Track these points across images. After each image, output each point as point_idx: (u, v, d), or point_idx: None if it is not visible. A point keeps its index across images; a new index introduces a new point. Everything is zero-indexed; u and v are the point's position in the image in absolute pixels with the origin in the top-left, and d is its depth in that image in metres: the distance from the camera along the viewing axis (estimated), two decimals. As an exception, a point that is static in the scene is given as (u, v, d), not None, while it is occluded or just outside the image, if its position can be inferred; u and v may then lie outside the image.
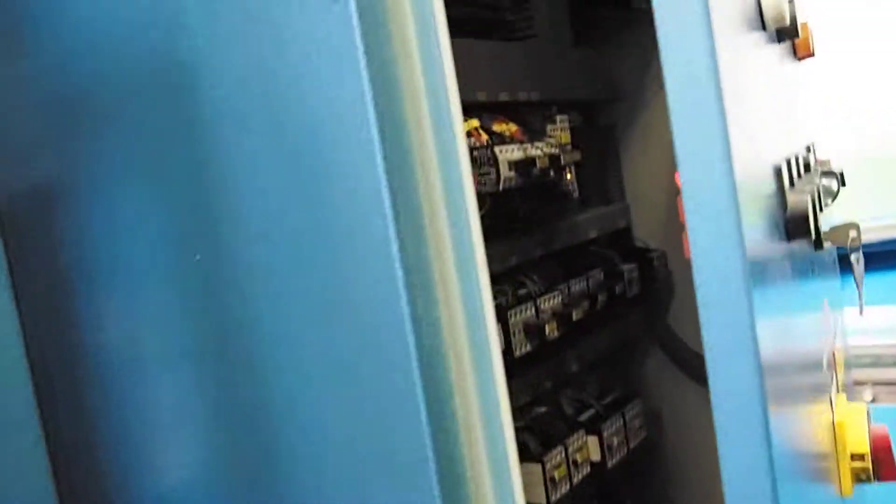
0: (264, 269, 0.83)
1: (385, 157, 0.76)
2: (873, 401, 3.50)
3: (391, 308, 0.77)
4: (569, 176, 1.74)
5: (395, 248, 0.76)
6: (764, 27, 1.15)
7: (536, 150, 1.58)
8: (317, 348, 0.82)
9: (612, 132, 2.23)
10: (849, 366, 2.35)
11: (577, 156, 1.70)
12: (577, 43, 2.05)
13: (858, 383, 3.46)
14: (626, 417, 1.86)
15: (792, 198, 1.05)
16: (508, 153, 1.53)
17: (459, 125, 0.82)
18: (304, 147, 0.80)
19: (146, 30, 0.85)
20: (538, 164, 1.53)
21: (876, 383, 3.53)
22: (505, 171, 1.51)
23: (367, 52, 0.76)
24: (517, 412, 1.65)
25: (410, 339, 0.76)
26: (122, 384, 0.98)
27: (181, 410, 0.95)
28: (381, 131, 0.76)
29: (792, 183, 1.15)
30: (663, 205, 2.19)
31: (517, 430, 1.62)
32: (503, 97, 1.72)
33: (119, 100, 0.89)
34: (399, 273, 0.76)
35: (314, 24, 0.77)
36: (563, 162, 1.60)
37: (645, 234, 2.22)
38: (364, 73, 0.76)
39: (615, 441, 1.77)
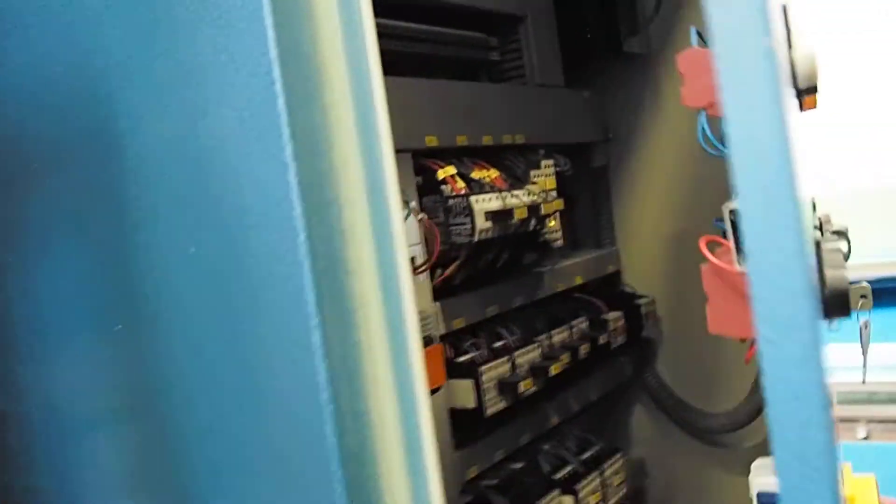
0: (185, 342, 0.78)
1: (308, 237, 0.70)
2: (866, 438, 3.42)
3: (311, 399, 0.71)
4: (552, 223, 1.68)
5: (317, 337, 0.70)
6: (796, 85, 1.08)
7: (515, 200, 1.51)
8: (238, 433, 0.76)
9: (604, 173, 2.17)
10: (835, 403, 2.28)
11: (559, 204, 1.64)
12: (568, 84, 2.00)
13: (850, 420, 3.38)
14: (606, 474, 1.79)
15: (829, 273, 0.96)
16: (485, 203, 1.47)
17: (395, 198, 0.77)
18: (227, 219, 0.74)
19: (73, 91, 0.80)
20: (516, 216, 1.47)
21: (870, 420, 3.46)
22: (481, 223, 1.45)
23: (291, 123, 0.70)
24: (489, 471, 1.58)
25: (331, 436, 0.70)
26: (43, 449, 0.92)
27: (103, 476, 0.89)
28: (305, 207, 0.70)
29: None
30: (655, 249, 2.13)
31: (488, 490, 1.56)
32: (486, 141, 1.66)
33: (42, 162, 0.84)
34: (321, 365, 0.70)
35: (238, 89, 0.72)
36: (542, 212, 1.54)
37: (635, 279, 2.16)
38: (288, 149, 0.70)
39: (591, 501, 1.70)
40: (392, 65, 1.59)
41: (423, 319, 1.11)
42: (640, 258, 2.16)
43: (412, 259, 1.12)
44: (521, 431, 1.66)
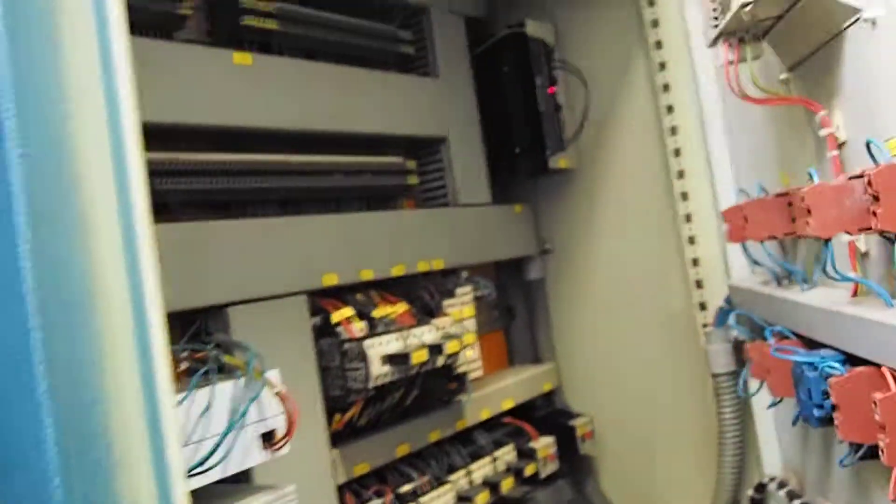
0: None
1: (64, 479, 0.65)
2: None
3: None
4: (469, 353, 1.62)
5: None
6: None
7: (415, 340, 1.46)
8: None
9: (542, 286, 2.12)
10: None
11: (471, 338, 1.59)
12: (500, 199, 1.96)
13: None
14: None
15: None
16: (382, 346, 1.42)
17: (173, 427, 0.71)
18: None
19: None
20: (413, 360, 1.42)
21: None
22: (376, 369, 1.40)
23: (47, 356, 0.65)
24: None
25: None
26: None
27: None
28: (61, 448, 0.65)
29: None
30: (596, 363, 2.07)
31: None
32: (396, 272, 1.62)
33: None
34: None
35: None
36: (446, 351, 1.48)
37: (575, 394, 2.09)
38: (43, 385, 0.65)
39: None
40: (297, 202, 1.57)
41: (282, 498, 1.05)
42: (581, 372, 2.10)
43: (272, 432, 1.07)
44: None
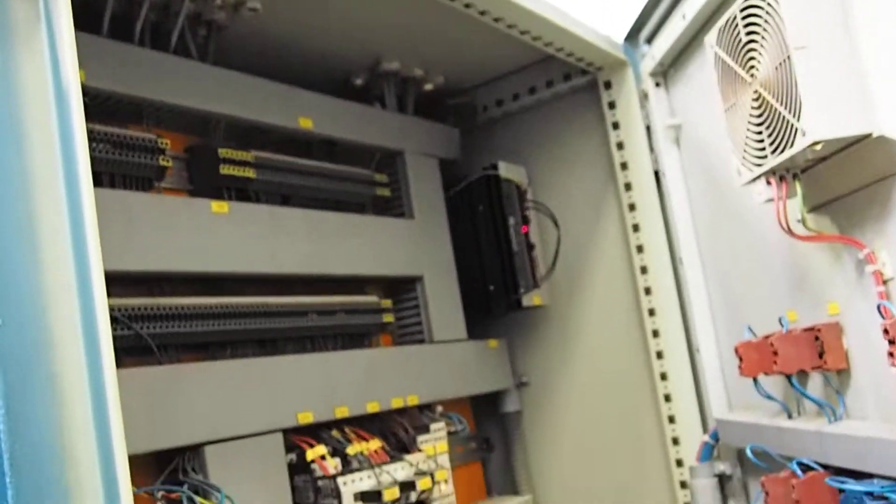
0: None
1: None
2: None
3: None
4: (444, 486, 1.65)
5: None
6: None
7: (388, 477, 1.49)
8: None
9: (518, 419, 2.15)
10: None
11: (443, 475, 1.62)
12: (475, 335, 2.01)
13: None
14: None
15: None
16: (355, 483, 1.45)
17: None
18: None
19: None
20: (386, 497, 1.44)
21: None
22: (349, 506, 1.42)
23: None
24: None
25: None
26: None
27: None
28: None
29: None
30: (571, 495, 2.08)
31: None
32: (371, 409, 1.65)
33: None
34: None
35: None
36: (419, 488, 1.51)
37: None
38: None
39: None
40: (274, 342, 1.61)
41: None
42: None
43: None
44: None
